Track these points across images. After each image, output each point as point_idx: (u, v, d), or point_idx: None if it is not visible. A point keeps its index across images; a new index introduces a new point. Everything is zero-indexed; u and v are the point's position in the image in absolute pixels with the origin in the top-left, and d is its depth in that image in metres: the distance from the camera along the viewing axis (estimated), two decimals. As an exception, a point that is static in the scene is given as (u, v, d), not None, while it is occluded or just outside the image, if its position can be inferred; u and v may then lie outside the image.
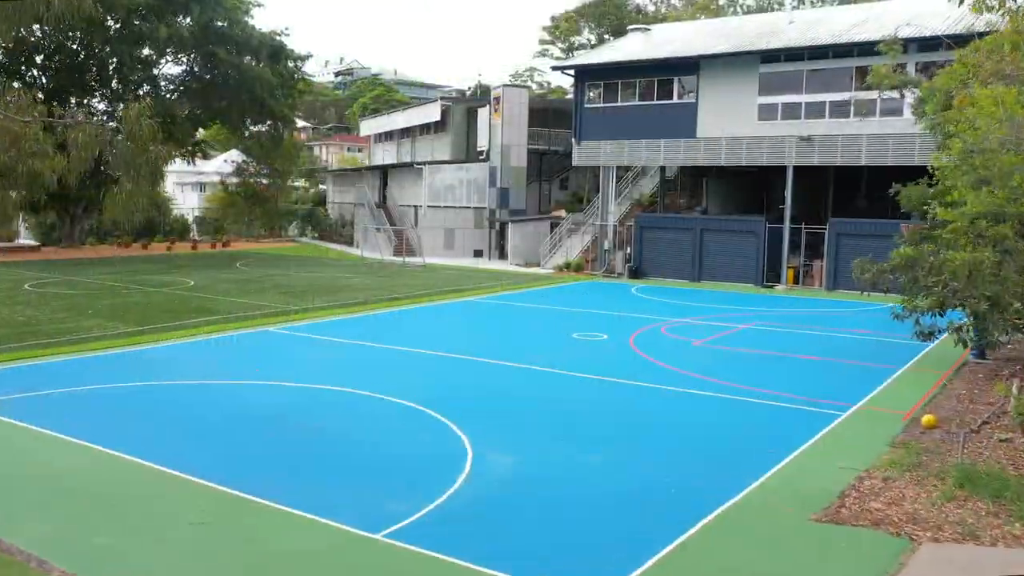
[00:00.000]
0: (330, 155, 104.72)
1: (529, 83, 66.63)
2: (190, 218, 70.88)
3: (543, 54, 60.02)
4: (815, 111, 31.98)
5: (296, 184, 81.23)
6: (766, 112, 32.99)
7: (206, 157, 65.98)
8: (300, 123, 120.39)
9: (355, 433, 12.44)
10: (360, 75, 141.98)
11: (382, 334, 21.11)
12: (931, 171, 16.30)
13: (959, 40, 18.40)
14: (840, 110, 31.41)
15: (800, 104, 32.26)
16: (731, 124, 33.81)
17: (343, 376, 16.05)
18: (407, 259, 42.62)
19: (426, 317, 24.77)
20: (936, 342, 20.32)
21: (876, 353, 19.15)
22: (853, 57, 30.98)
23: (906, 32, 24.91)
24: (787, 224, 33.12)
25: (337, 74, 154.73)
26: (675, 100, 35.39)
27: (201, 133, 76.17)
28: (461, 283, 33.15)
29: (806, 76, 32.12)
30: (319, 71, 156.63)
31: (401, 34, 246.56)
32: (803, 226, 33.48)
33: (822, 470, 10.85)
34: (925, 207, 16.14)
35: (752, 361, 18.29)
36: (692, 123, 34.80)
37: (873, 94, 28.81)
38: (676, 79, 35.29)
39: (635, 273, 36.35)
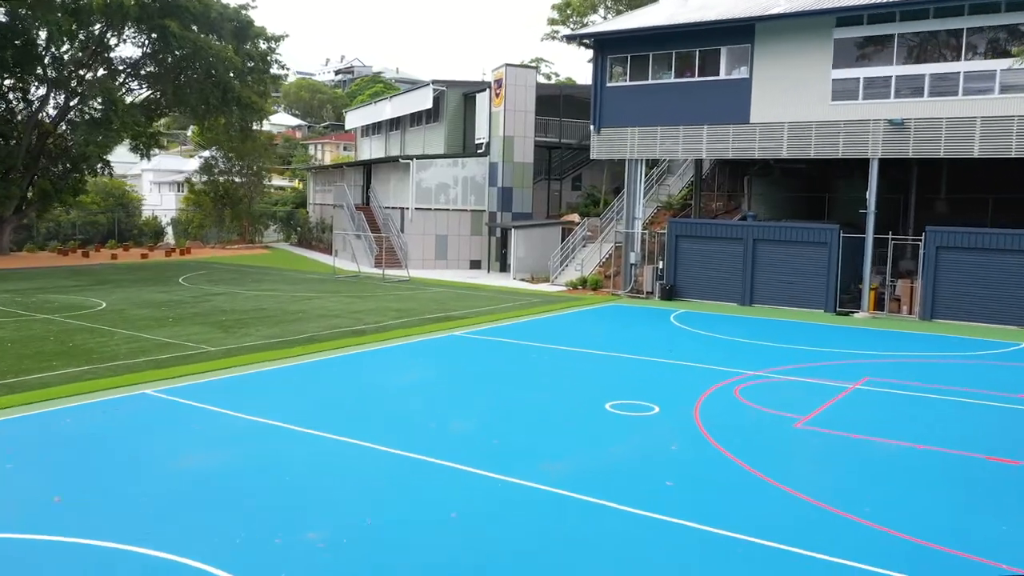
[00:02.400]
0: (325, 154, 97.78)
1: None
2: (164, 220, 63.79)
3: (552, 36, 52.81)
4: (910, 88, 24.66)
5: (283, 184, 74.33)
6: (843, 89, 25.67)
7: (165, 149, 58.65)
8: (296, 121, 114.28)
9: None
10: (361, 73, 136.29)
11: (312, 404, 13.84)
12: None
13: None
14: (944, 85, 24.11)
15: (889, 78, 24.93)
16: (796, 106, 26.51)
17: (202, 511, 8.79)
18: (387, 272, 35.36)
19: (389, 367, 17.52)
20: None
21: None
22: (963, 16, 23.73)
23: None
24: (870, 234, 25.80)
25: (337, 72, 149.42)
26: (722, 76, 28.04)
27: (191, 131, 69.11)
28: (450, 306, 25.91)
29: (897, 42, 24.81)
30: (319, 69, 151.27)
31: (404, 34, 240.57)
32: (890, 236, 26.15)
33: None
34: None
35: (911, 466, 10.96)
36: (744, 105, 27.47)
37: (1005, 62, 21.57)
38: (724, 49, 27.91)
39: (669, 293, 29.07)
